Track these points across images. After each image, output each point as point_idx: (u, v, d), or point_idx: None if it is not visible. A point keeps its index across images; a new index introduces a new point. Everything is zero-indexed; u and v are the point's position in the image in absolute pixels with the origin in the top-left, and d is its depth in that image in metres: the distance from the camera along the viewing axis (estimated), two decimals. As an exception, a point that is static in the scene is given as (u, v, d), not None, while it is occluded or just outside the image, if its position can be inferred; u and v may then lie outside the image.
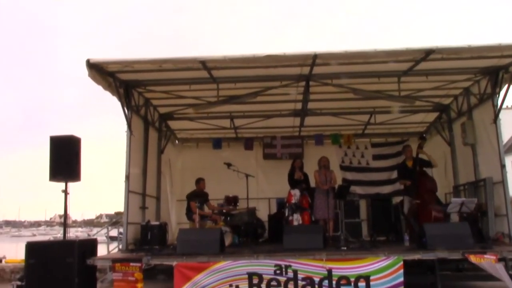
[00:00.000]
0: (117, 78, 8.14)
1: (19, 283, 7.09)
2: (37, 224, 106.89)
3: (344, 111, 10.95)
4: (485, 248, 6.76)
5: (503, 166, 8.30)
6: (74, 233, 37.07)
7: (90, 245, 7.36)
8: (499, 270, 6.41)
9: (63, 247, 6.88)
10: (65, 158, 7.29)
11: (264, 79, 8.62)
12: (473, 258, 6.45)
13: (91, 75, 7.28)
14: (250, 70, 7.92)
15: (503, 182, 8.30)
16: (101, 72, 7.58)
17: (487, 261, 6.42)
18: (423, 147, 9.01)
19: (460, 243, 6.79)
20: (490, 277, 6.67)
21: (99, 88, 7.86)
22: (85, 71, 7.21)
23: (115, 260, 6.94)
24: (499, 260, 6.59)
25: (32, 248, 6.85)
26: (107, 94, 8.18)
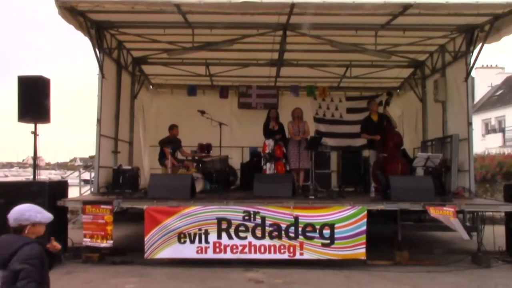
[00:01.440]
0: (88, 18, 7.86)
1: (-12, 221, 7.09)
2: (9, 165, 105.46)
3: (320, 63, 10.92)
4: (445, 201, 7.09)
5: (469, 124, 8.55)
6: (48, 175, 36.85)
7: (61, 187, 7.38)
8: (454, 223, 6.76)
9: (34, 187, 6.85)
10: (34, 99, 7.13)
11: (241, 26, 8.46)
12: (432, 211, 6.77)
13: (61, 14, 6.99)
14: (227, 16, 7.74)
15: (469, 139, 8.57)
16: (71, 11, 7.28)
17: (444, 215, 6.74)
18: (390, 104, 9.17)
19: (423, 196, 7.09)
20: (448, 228, 7.04)
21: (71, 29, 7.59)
22: (48, 10, 6.93)
23: (86, 202, 7.01)
24: (457, 212, 6.94)
25: (2, 188, 6.84)
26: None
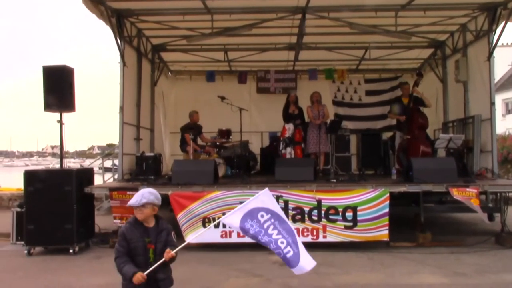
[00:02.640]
0: (109, 7, 7.95)
1: (18, 209, 7.32)
2: (29, 154, 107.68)
3: (339, 46, 10.87)
4: (468, 182, 7.06)
5: (492, 104, 8.46)
6: (67, 164, 37.51)
7: (87, 174, 7.54)
8: (475, 208, 6.74)
9: (61, 175, 7.03)
10: (59, 89, 7.23)
11: (260, 10, 8.45)
12: (455, 192, 6.75)
13: (84, 2, 7.09)
14: (246, 1, 7.76)
15: (491, 119, 8.48)
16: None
17: (467, 196, 6.72)
18: (419, 84, 9.05)
19: (445, 177, 7.07)
20: (469, 209, 7.02)
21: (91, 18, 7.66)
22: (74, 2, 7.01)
23: (112, 189, 7.16)
24: (480, 193, 6.92)
25: (31, 177, 6.99)
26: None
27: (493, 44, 8.48)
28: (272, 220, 3.58)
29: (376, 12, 8.56)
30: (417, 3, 8.05)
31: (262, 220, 3.54)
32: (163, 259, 3.25)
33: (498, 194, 7.62)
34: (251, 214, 3.53)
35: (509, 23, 8.11)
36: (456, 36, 10.04)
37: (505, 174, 13.07)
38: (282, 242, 3.61)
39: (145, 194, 3.34)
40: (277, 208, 3.65)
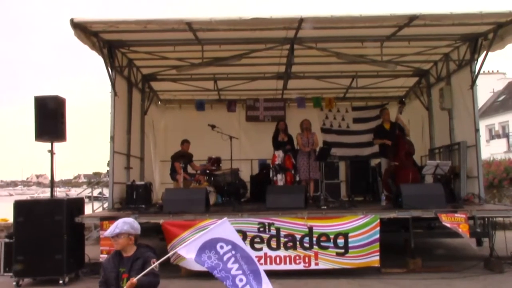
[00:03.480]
0: (101, 38, 8.06)
1: (7, 240, 7.23)
2: (13, 184, 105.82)
3: (326, 75, 11.11)
4: (456, 208, 7.18)
5: (477, 131, 8.67)
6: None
7: (77, 204, 7.52)
8: (462, 234, 6.84)
9: (52, 205, 6.99)
10: (50, 118, 7.28)
11: (249, 41, 8.64)
12: (444, 218, 6.86)
13: (76, 35, 7.20)
14: (236, 32, 7.92)
15: (476, 145, 8.67)
16: (85, 31, 7.49)
17: (455, 221, 6.83)
18: (402, 112, 9.28)
19: (433, 203, 7.19)
20: (458, 234, 7.11)
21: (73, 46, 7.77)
22: (65, 31, 7.13)
23: (103, 218, 7.13)
24: (468, 218, 7.03)
25: (21, 206, 6.95)
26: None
27: (476, 73, 8.75)
28: (233, 252, 3.36)
29: (362, 42, 8.80)
30: (402, 34, 8.31)
31: (221, 251, 3.33)
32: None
33: (486, 219, 7.75)
34: (210, 245, 3.33)
35: (490, 53, 8.37)
36: (440, 65, 10.35)
37: (491, 199, 13.23)
38: (241, 280, 3.38)
39: (119, 224, 3.38)
40: (237, 238, 3.44)
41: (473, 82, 8.78)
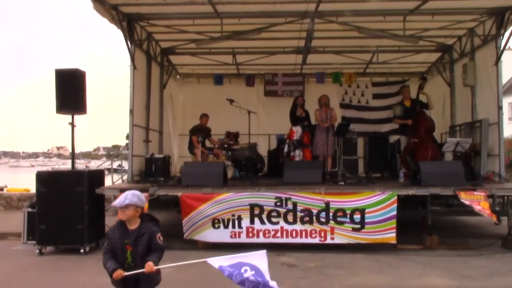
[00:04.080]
0: (120, 11, 8.07)
1: (30, 209, 7.44)
2: (35, 155, 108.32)
3: (347, 50, 10.95)
4: (476, 186, 7.11)
5: (500, 108, 8.51)
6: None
7: (98, 176, 7.65)
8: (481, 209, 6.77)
9: (73, 177, 7.14)
10: (71, 91, 7.35)
11: (269, 15, 8.54)
12: (463, 195, 6.79)
13: (95, 8, 7.21)
14: (256, 5, 7.84)
15: (499, 123, 8.53)
16: (104, 4, 7.48)
17: (475, 199, 6.76)
18: (424, 88, 9.11)
19: (453, 181, 7.11)
20: (475, 213, 7.06)
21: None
22: (87, 3, 7.14)
23: (123, 190, 7.20)
24: (488, 196, 6.96)
25: (43, 178, 7.10)
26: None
27: (501, 49, 8.53)
28: (253, 272, 3.37)
29: (384, 16, 8.63)
30: (425, 8, 8.12)
31: (244, 273, 3.35)
32: (142, 270, 3.30)
33: (505, 197, 7.66)
34: (236, 265, 3.39)
35: (516, 28, 8.15)
36: (464, 41, 10.09)
37: (511, 178, 13.05)
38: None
39: (128, 196, 3.43)
40: (264, 268, 3.40)
41: (498, 58, 8.56)
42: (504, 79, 36.99)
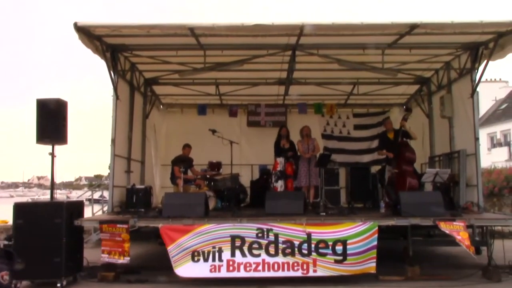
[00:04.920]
0: (104, 42, 8.12)
1: (6, 242, 7.24)
2: (14, 185, 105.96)
3: (328, 81, 11.15)
4: (455, 216, 7.18)
5: (476, 139, 8.67)
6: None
7: (77, 207, 7.52)
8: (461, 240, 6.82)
9: (51, 208, 7.00)
10: (52, 121, 7.29)
11: (251, 47, 8.69)
12: (443, 225, 6.85)
13: (80, 38, 7.26)
14: (238, 38, 7.97)
15: (476, 154, 8.68)
16: (88, 35, 7.54)
17: (454, 229, 6.83)
18: (407, 119, 9.27)
19: (432, 211, 7.18)
20: (456, 243, 7.11)
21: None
22: (69, 35, 7.19)
23: (102, 222, 7.15)
24: (467, 227, 7.03)
25: (20, 209, 6.95)
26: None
27: (476, 82, 8.78)
28: None
29: (363, 49, 8.84)
30: (403, 42, 8.36)
31: None
32: None
33: (484, 227, 7.75)
34: None
35: (491, 62, 8.40)
36: (441, 73, 10.38)
37: (491, 208, 13.20)
38: None
39: None
40: None
41: (474, 90, 8.81)
42: (482, 111, 38.13)
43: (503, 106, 35.93)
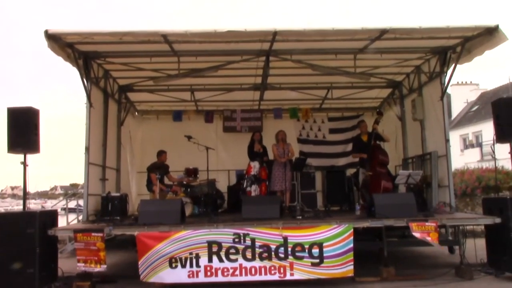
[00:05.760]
0: (76, 49, 8.04)
1: (-23, 254, 7.06)
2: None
3: (302, 86, 11.27)
4: (427, 217, 7.34)
5: (447, 141, 8.90)
6: (28, 205, 35.94)
7: (51, 216, 7.39)
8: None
9: (24, 218, 6.86)
10: (23, 130, 7.18)
11: (225, 53, 8.75)
12: (414, 227, 6.99)
13: (50, 46, 7.17)
14: (212, 44, 8.00)
15: (447, 155, 8.91)
16: (59, 43, 7.46)
17: (426, 230, 6.98)
18: (379, 122, 9.45)
19: (405, 212, 7.32)
20: (429, 243, 7.26)
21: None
22: (41, 41, 7.10)
23: (76, 231, 7.04)
24: (440, 227, 7.20)
25: (-8, 220, 6.82)
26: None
27: (445, 85, 9.02)
28: None
29: (336, 55, 8.99)
30: (373, 47, 8.53)
31: None
32: None
33: (457, 227, 7.94)
34: None
35: (459, 65, 8.65)
36: (412, 77, 10.63)
37: (464, 208, 13.51)
38: None
39: None
40: None
41: (443, 93, 9.05)
42: (454, 113, 38.94)
43: (475, 108, 36.87)
